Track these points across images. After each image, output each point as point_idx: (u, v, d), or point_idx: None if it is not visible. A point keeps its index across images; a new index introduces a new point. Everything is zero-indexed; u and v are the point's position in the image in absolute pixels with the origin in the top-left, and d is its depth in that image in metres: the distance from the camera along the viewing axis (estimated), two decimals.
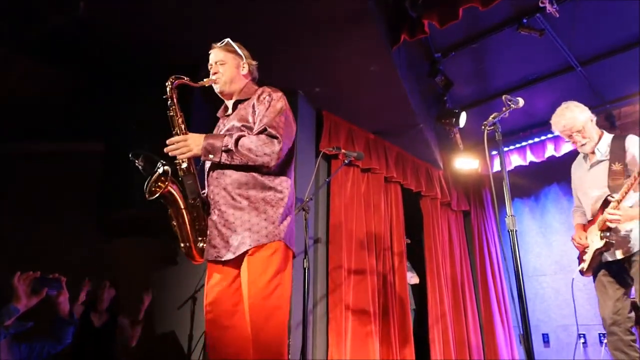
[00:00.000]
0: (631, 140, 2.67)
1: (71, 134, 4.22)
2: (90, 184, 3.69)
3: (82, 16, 2.98)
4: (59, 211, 4.14)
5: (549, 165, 5.33)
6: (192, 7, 3.08)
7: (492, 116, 2.23)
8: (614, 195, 2.53)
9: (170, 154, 1.90)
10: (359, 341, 4.04)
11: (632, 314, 2.63)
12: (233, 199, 1.89)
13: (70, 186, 4.19)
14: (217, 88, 2.11)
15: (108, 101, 3.70)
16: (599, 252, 2.65)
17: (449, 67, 4.49)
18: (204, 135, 1.91)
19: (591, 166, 2.80)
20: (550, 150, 5.24)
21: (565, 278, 5.08)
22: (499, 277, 5.65)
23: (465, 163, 5.42)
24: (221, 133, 2.06)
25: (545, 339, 5.20)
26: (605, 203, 2.58)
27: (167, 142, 1.90)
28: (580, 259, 2.82)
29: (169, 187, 1.86)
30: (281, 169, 1.98)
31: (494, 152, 5.27)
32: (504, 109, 2.23)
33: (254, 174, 1.91)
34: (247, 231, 1.84)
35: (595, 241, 2.65)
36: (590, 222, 2.76)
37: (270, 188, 1.92)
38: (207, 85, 2.08)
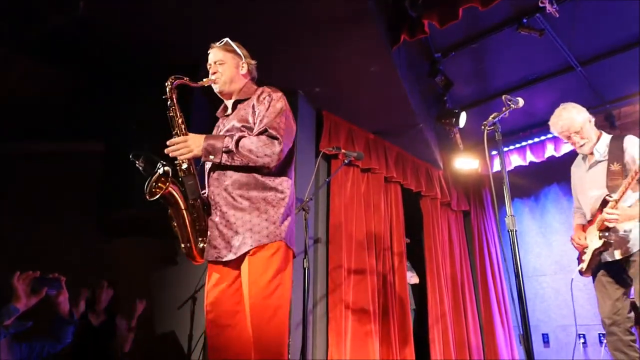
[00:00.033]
0: (629, 141, 2.67)
1: (71, 134, 4.22)
2: (90, 184, 3.69)
3: (82, 16, 2.98)
4: (59, 211, 4.14)
5: (549, 165, 5.34)
6: (192, 7, 3.09)
7: (492, 116, 2.23)
8: (612, 195, 2.54)
9: (170, 154, 1.90)
10: (359, 341, 4.04)
11: (632, 314, 2.63)
12: (234, 199, 1.89)
13: (70, 186, 4.18)
14: (216, 88, 2.11)
15: (108, 101, 3.70)
16: (598, 252, 2.65)
17: (449, 67, 4.49)
18: (204, 136, 1.91)
19: (590, 167, 2.81)
20: (550, 151, 5.24)
21: (565, 278, 5.09)
22: (499, 277, 5.65)
23: (465, 163, 5.43)
24: (221, 133, 2.07)
25: (545, 339, 5.20)
26: (604, 203, 2.58)
27: (168, 142, 1.90)
28: (580, 259, 2.82)
29: (170, 188, 1.86)
30: (282, 169, 1.98)
31: (494, 152, 5.27)
32: (503, 109, 2.23)
33: (254, 174, 1.91)
34: (249, 231, 1.85)
35: (594, 241, 2.66)
36: (590, 222, 2.76)
37: (271, 188, 1.92)
38: (206, 85, 2.07)
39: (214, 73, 2.08)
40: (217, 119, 2.23)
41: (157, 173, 1.88)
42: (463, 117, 4.72)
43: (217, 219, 1.91)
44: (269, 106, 1.97)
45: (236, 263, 1.88)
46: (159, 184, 1.88)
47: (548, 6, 3.41)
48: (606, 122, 4.84)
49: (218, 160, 1.87)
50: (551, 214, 5.52)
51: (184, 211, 1.91)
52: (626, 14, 3.85)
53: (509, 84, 4.82)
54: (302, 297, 2.89)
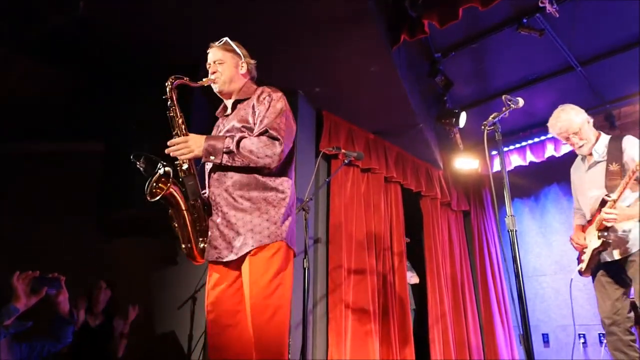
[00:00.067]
0: (628, 141, 2.68)
1: (71, 134, 4.22)
2: (90, 184, 3.69)
3: (82, 16, 2.98)
4: (59, 211, 4.14)
5: (549, 165, 5.34)
6: (192, 7, 3.09)
7: (492, 116, 2.23)
8: (610, 195, 2.54)
9: (171, 154, 1.90)
10: (359, 341, 4.04)
11: (632, 314, 2.64)
12: (234, 200, 1.89)
13: (70, 186, 4.19)
14: (215, 87, 2.10)
15: (108, 101, 3.70)
16: (597, 252, 2.65)
17: (449, 67, 4.49)
18: (204, 136, 1.91)
19: (589, 167, 2.82)
20: (550, 150, 5.24)
21: (565, 278, 5.09)
22: (499, 277, 5.65)
23: (465, 163, 5.43)
24: (221, 133, 2.07)
25: (545, 339, 5.20)
26: (603, 203, 2.59)
27: (168, 143, 1.90)
28: (580, 260, 2.83)
29: (171, 189, 1.86)
30: (282, 169, 1.98)
31: (494, 152, 5.27)
32: (503, 109, 2.23)
33: (255, 175, 1.91)
34: (250, 232, 1.85)
35: (593, 241, 2.66)
36: (589, 222, 2.76)
37: (272, 188, 1.92)
38: (206, 84, 2.07)
39: (214, 73, 2.07)
40: (216, 119, 2.23)
41: (158, 173, 1.88)
42: (463, 117, 4.72)
43: (218, 220, 1.91)
44: (269, 106, 1.97)
45: (237, 263, 1.88)
46: (160, 185, 1.88)
47: (548, 6, 3.41)
48: (606, 122, 4.84)
49: (219, 161, 1.87)
50: (551, 214, 5.52)
51: (185, 212, 1.91)
52: (626, 14, 3.85)
53: (509, 84, 4.82)
54: (302, 297, 2.89)
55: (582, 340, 4.86)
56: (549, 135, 5.18)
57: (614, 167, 2.64)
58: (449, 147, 5.53)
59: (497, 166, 5.51)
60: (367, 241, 4.49)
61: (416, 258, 5.45)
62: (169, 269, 4.16)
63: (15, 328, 2.41)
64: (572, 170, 3.02)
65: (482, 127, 2.22)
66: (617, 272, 2.65)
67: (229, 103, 2.15)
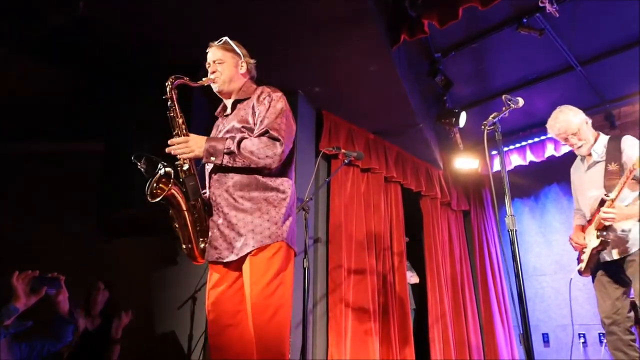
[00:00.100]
0: (627, 141, 2.68)
1: (71, 134, 4.22)
2: (90, 184, 3.69)
3: (82, 16, 2.98)
4: (59, 211, 4.14)
5: (549, 165, 5.34)
6: (192, 7, 3.08)
7: (492, 116, 2.23)
8: (609, 194, 2.55)
9: (172, 153, 1.90)
10: (359, 341, 4.04)
11: (632, 314, 2.64)
12: (235, 200, 1.89)
13: (70, 186, 4.18)
14: (215, 87, 2.10)
15: (108, 101, 3.70)
16: (596, 252, 2.66)
17: (449, 67, 4.49)
18: (205, 137, 1.91)
19: (588, 167, 2.82)
20: (550, 150, 5.24)
21: (565, 278, 5.09)
22: (499, 277, 5.65)
23: (465, 163, 5.43)
24: (221, 133, 2.07)
25: (545, 338, 5.21)
26: (602, 203, 2.59)
27: (169, 142, 1.90)
28: (579, 259, 2.83)
29: (172, 190, 1.86)
30: (282, 170, 1.98)
31: (494, 152, 5.27)
32: (503, 108, 2.23)
33: (256, 175, 1.91)
34: (250, 232, 1.85)
35: (592, 240, 2.67)
36: (589, 222, 2.77)
37: (272, 189, 1.93)
38: (205, 84, 2.06)
39: (213, 72, 2.07)
40: (216, 119, 2.23)
41: (158, 174, 1.88)
42: (463, 117, 4.72)
43: (219, 221, 1.91)
44: (269, 107, 1.97)
45: (237, 263, 1.88)
46: (161, 185, 1.87)
47: (548, 6, 3.41)
48: (606, 121, 4.84)
49: (219, 162, 1.87)
50: (551, 213, 5.52)
51: (186, 212, 1.91)
52: (626, 14, 3.85)
53: (508, 83, 4.82)
54: (302, 296, 2.89)
55: (582, 340, 4.87)
56: (549, 135, 5.18)
57: (613, 166, 2.64)
58: (449, 147, 5.53)
59: (497, 166, 5.51)
60: (367, 241, 4.49)
61: (416, 258, 5.45)
62: (169, 269, 4.16)
63: (15, 328, 2.41)
64: (572, 170, 3.03)
65: (482, 126, 2.22)
66: (616, 272, 2.65)
67: (228, 103, 2.15)
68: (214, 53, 2.09)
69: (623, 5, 3.77)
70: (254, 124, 1.98)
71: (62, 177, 4.22)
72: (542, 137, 5.29)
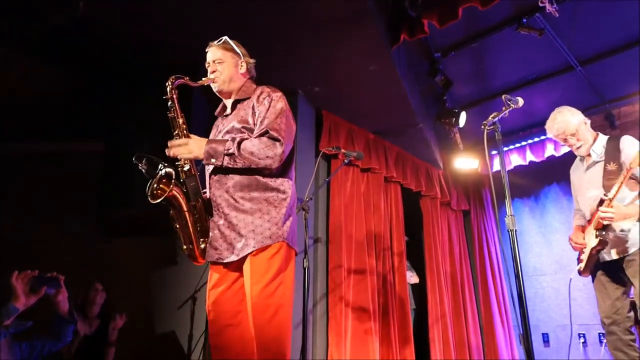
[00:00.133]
0: (626, 141, 2.69)
1: (71, 134, 4.22)
2: (90, 184, 3.69)
3: (82, 16, 2.98)
4: (59, 211, 4.14)
5: (549, 165, 5.34)
6: (192, 7, 3.08)
7: (491, 116, 2.23)
8: (607, 194, 2.55)
9: (172, 154, 1.89)
10: (359, 341, 4.05)
11: (631, 314, 2.64)
12: (236, 201, 1.89)
13: (70, 186, 4.18)
14: (215, 87, 2.09)
15: (108, 101, 3.70)
16: (595, 251, 2.66)
17: (449, 67, 4.49)
18: (205, 139, 1.91)
19: (587, 168, 2.83)
20: (550, 150, 5.25)
21: (565, 278, 5.10)
22: (499, 277, 5.66)
23: (465, 163, 5.43)
24: (220, 133, 2.06)
25: (545, 338, 5.21)
26: (601, 203, 2.59)
27: (168, 143, 1.89)
28: (579, 259, 2.83)
29: (174, 191, 1.86)
30: (282, 170, 1.98)
31: (494, 152, 5.27)
32: (503, 108, 2.23)
33: (256, 176, 1.91)
34: (251, 233, 1.85)
35: (591, 240, 2.67)
36: (589, 222, 2.77)
37: (272, 189, 1.92)
38: (205, 84, 2.06)
39: (213, 72, 2.06)
40: (216, 119, 2.23)
41: (159, 175, 1.87)
42: (463, 117, 4.72)
43: (220, 222, 1.91)
44: (269, 107, 1.97)
45: (237, 263, 1.88)
46: (161, 186, 1.87)
47: (548, 6, 3.41)
48: (606, 121, 4.85)
49: (220, 163, 1.87)
50: (551, 213, 5.52)
51: (186, 213, 1.90)
52: (626, 14, 3.85)
53: (508, 83, 4.82)
54: (302, 296, 2.89)
55: (581, 340, 4.87)
56: (549, 135, 5.20)
57: (612, 166, 2.65)
58: (449, 147, 5.53)
59: (497, 166, 5.51)
60: (367, 241, 4.49)
61: (416, 258, 5.45)
62: (169, 269, 4.16)
63: (15, 328, 2.41)
64: (572, 170, 3.03)
65: (482, 126, 2.22)
66: (616, 272, 2.65)
67: (228, 103, 2.14)
68: (213, 53, 2.09)
69: (623, 5, 3.77)
70: (254, 124, 1.97)
71: (62, 177, 4.22)
72: (542, 137, 5.29)
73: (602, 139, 2.80)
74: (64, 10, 2.96)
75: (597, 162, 2.76)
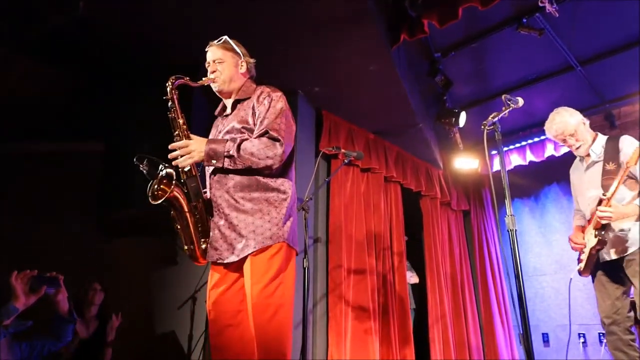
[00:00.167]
0: (625, 141, 2.69)
1: (71, 134, 4.22)
2: (90, 184, 3.69)
3: (82, 16, 2.98)
4: (59, 211, 4.14)
5: (549, 164, 5.34)
6: (192, 7, 3.08)
7: (491, 116, 2.23)
8: (606, 193, 2.55)
9: (173, 163, 1.88)
10: (359, 341, 4.04)
11: (632, 313, 2.63)
12: (236, 201, 1.89)
13: (70, 186, 4.18)
14: (215, 87, 2.09)
15: (108, 101, 3.70)
16: (594, 251, 2.66)
17: (449, 67, 4.49)
18: (205, 139, 1.91)
19: (587, 168, 2.83)
20: (550, 150, 5.24)
21: (565, 278, 5.09)
22: (499, 277, 5.66)
23: (465, 163, 5.43)
24: (220, 133, 2.06)
25: (545, 338, 5.21)
26: (600, 202, 2.60)
27: (170, 147, 1.88)
28: (579, 259, 2.83)
29: (175, 192, 1.85)
30: (283, 170, 1.98)
31: (494, 152, 5.27)
32: (503, 108, 2.23)
33: (256, 176, 1.91)
34: (252, 233, 1.85)
35: (590, 240, 2.67)
36: (589, 222, 2.77)
37: (273, 189, 1.92)
38: (205, 84, 2.05)
39: (213, 72, 2.06)
40: (215, 118, 2.23)
41: (159, 175, 1.87)
42: (463, 117, 4.72)
43: (220, 222, 1.90)
44: (269, 107, 1.96)
45: (238, 263, 1.88)
46: (162, 187, 1.86)
47: (548, 6, 3.41)
48: (606, 121, 4.85)
49: (220, 165, 1.87)
50: (551, 213, 5.52)
51: (187, 213, 1.90)
52: (626, 14, 3.85)
53: (508, 83, 4.82)
54: (302, 296, 2.89)
55: (581, 339, 4.87)
56: (548, 136, 5.20)
57: (611, 166, 2.65)
58: (449, 147, 5.53)
59: (497, 166, 5.51)
60: (367, 241, 4.49)
61: (416, 258, 5.45)
62: (169, 269, 4.16)
63: (15, 327, 2.41)
64: (571, 171, 3.03)
65: (482, 126, 2.22)
66: (616, 271, 2.65)
67: (228, 103, 2.14)
68: (213, 52, 2.08)
69: (623, 5, 3.77)
70: (254, 125, 1.97)
71: (62, 177, 4.22)
72: (542, 137, 5.29)
73: (601, 139, 2.81)
74: (64, 10, 2.96)
75: (597, 162, 2.77)
